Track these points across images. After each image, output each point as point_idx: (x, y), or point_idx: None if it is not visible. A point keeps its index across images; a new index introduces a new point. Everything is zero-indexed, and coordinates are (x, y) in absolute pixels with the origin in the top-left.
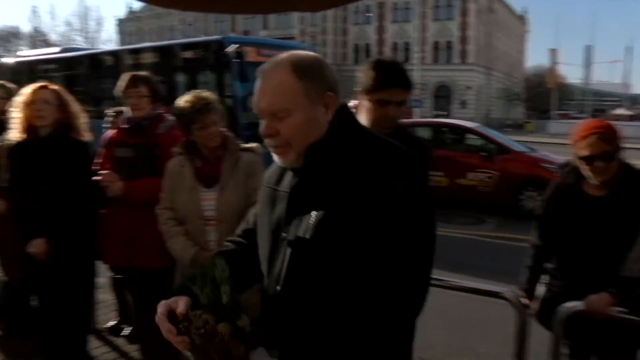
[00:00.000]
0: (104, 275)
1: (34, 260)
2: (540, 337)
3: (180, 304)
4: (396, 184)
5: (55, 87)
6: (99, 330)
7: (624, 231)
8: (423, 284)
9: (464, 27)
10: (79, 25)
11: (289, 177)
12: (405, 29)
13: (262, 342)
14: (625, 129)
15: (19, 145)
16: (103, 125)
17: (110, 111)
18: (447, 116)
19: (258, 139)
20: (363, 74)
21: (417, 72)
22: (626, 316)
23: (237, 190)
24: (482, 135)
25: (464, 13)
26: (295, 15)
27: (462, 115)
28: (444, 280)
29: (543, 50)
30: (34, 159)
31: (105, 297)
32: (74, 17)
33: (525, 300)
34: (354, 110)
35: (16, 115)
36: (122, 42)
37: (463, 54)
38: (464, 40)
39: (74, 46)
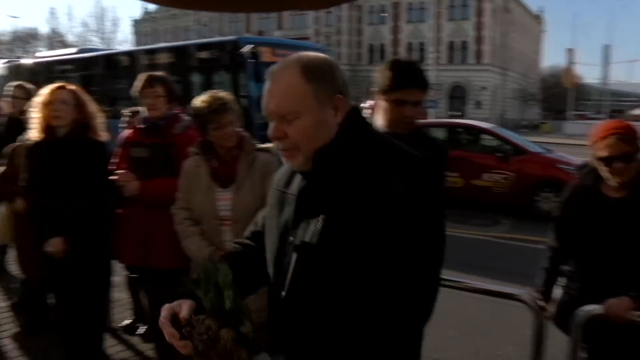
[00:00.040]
0: (119, 274)
1: (52, 258)
2: (557, 341)
3: (184, 308)
4: (405, 189)
5: (72, 87)
6: (114, 328)
7: None
8: (431, 290)
9: (479, 27)
10: (96, 26)
11: (298, 180)
12: (420, 29)
13: (266, 348)
14: None
15: (37, 145)
16: (119, 125)
17: (126, 111)
18: (461, 117)
19: None
20: (380, 74)
21: (432, 73)
22: None
23: (253, 190)
24: (497, 136)
25: (480, 13)
26: (309, 16)
27: (477, 115)
28: (459, 282)
29: (560, 50)
30: (51, 158)
31: (120, 296)
32: (90, 18)
33: (542, 303)
34: (370, 110)
35: (35, 115)
36: (138, 43)
37: (478, 54)
38: (479, 40)
39: (91, 47)
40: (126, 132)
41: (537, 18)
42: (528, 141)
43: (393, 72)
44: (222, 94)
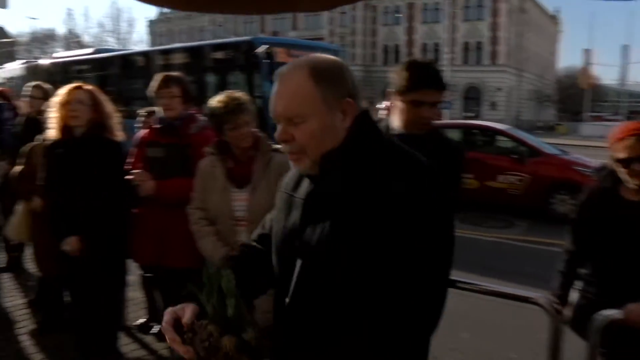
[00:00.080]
0: (134, 273)
1: (68, 257)
2: (573, 345)
3: (187, 312)
4: (412, 196)
5: (89, 87)
6: (128, 327)
7: None
8: (439, 297)
9: (494, 27)
10: (112, 26)
11: (306, 184)
12: (435, 30)
13: (269, 355)
14: None
15: (54, 144)
16: (135, 125)
17: (142, 111)
18: (476, 118)
19: None
20: (396, 75)
21: (446, 74)
22: None
23: (268, 191)
24: (513, 138)
25: (495, 13)
26: (324, 16)
27: (492, 117)
28: (473, 284)
29: (576, 51)
30: (68, 158)
31: (135, 295)
32: (106, 19)
33: (558, 307)
34: (386, 111)
35: (52, 115)
36: (153, 43)
37: (493, 55)
38: (494, 41)
39: (107, 47)
40: (142, 132)
41: (554, 18)
42: (543, 143)
43: (410, 73)
44: (239, 94)
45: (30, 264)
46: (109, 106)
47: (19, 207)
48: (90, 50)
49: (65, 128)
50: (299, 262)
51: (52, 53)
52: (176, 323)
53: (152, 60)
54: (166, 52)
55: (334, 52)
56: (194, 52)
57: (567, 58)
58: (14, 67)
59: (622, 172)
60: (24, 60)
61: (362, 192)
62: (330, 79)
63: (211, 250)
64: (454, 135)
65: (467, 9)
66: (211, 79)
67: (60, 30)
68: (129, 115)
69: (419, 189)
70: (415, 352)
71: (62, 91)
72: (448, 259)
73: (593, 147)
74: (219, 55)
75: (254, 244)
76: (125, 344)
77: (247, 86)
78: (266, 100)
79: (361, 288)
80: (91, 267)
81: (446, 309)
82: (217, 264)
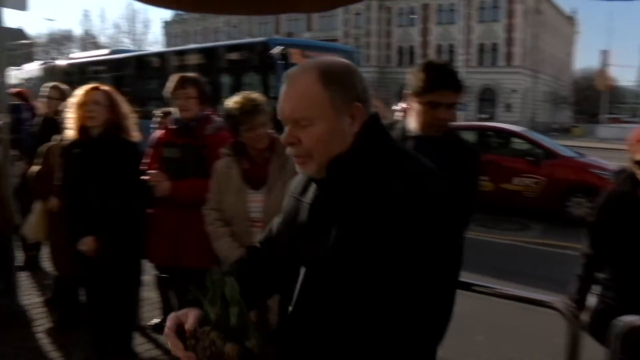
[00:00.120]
0: (149, 273)
1: (84, 257)
2: (591, 350)
3: (190, 318)
4: (420, 204)
5: (106, 88)
6: (143, 327)
7: None
8: (446, 306)
9: (510, 28)
10: (127, 27)
11: (313, 189)
12: (450, 31)
13: None
14: None
15: (71, 145)
16: (150, 126)
17: (158, 112)
18: (491, 119)
19: None
20: (413, 76)
21: (461, 75)
22: None
23: (284, 192)
24: (528, 140)
25: (510, 14)
26: (339, 17)
27: (507, 118)
28: (489, 287)
29: (593, 52)
30: (85, 158)
31: (149, 295)
32: (122, 20)
33: (576, 311)
34: (402, 113)
35: (69, 115)
36: (168, 44)
37: (509, 57)
38: (509, 42)
39: (122, 48)
40: (158, 133)
41: (570, 19)
42: (559, 145)
43: (426, 74)
44: (255, 95)
45: (47, 263)
46: (125, 107)
47: (36, 207)
48: (106, 51)
49: (82, 128)
50: (302, 270)
51: (69, 54)
52: (179, 329)
53: (167, 61)
54: (181, 53)
55: (349, 53)
56: (209, 53)
57: (584, 59)
58: (32, 68)
59: None
60: (42, 61)
61: (369, 199)
62: (339, 83)
63: (226, 251)
64: (469, 137)
65: (482, 10)
66: (226, 79)
67: (77, 31)
68: (145, 116)
69: (426, 196)
70: (422, 358)
71: (79, 92)
72: (455, 266)
73: (610, 149)
74: (233, 56)
75: (259, 247)
76: (140, 344)
77: (261, 87)
78: None
79: (366, 297)
80: (107, 267)
81: (461, 312)
82: (223, 268)
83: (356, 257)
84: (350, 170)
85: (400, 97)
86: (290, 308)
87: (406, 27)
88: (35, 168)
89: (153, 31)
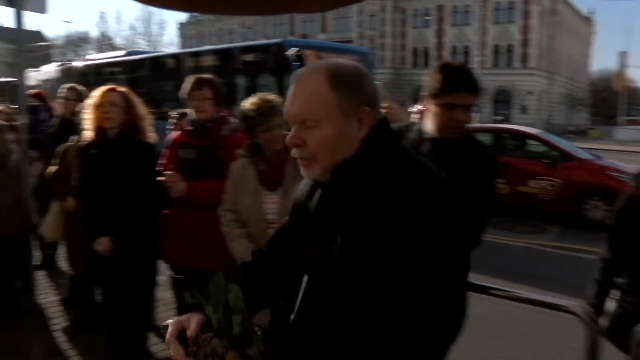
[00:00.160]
0: (164, 273)
1: (100, 257)
2: (610, 356)
3: (192, 324)
4: (427, 213)
5: (123, 89)
6: (157, 327)
7: None
8: (455, 315)
9: (525, 30)
10: (143, 29)
11: (318, 193)
12: (465, 33)
13: None
14: None
15: (88, 145)
16: (166, 127)
17: (174, 113)
18: (505, 121)
19: None
20: (430, 78)
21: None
22: None
23: None
24: (544, 142)
25: (526, 15)
26: (353, 19)
27: (522, 120)
28: (505, 291)
29: (611, 53)
30: (102, 159)
31: (164, 295)
32: (138, 22)
33: (594, 316)
34: (419, 115)
35: (87, 116)
36: (183, 45)
37: (524, 58)
38: (525, 43)
39: (138, 49)
40: (174, 134)
41: (587, 20)
42: (576, 147)
43: (444, 76)
44: (271, 96)
45: (63, 262)
46: (141, 108)
47: (53, 207)
48: (122, 52)
49: (99, 130)
50: (305, 277)
51: (85, 55)
52: (181, 334)
53: (183, 62)
54: (196, 55)
55: (364, 54)
56: (224, 55)
57: (602, 60)
58: (50, 70)
59: None
60: (59, 63)
61: (374, 205)
62: (348, 85)
63: (242, 253)
64: (484, 139)
65: (498, 11)
66: (241, 81)
67: (94, 33)
68: (160, 117)
69: (432, 203)
70: None
71: (96, 93)
72: (463, 275)
73: (628, 152)
74: (249, 57)
75: (266, 250)
76: (155, 344)
77: (277, 88)
78: None
79: (371, 305)
80: (122, 268)
81: (475, 315)
82: (216, 276)
83: (360, 265)
84: (356, 176)
85: (414, 99)
86: (292, 315)
87: (421, 28)
88: (52, 168)
89: (168, 33)
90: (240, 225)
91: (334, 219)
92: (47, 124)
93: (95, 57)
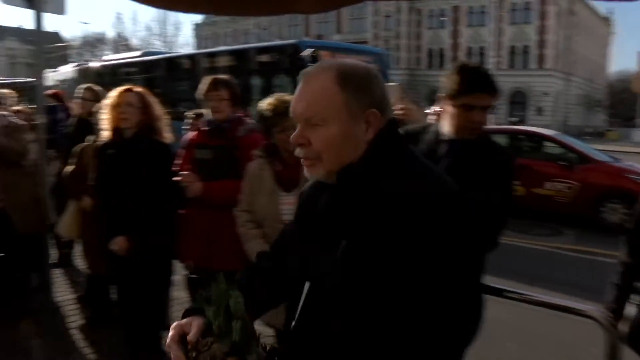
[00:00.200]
0: (179, 273)
1: (116, 256)
2: None
3: (194, 328)
4: (433, 221)
5: (139, 90)
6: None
7: None
8: (464, 320)
9: (542, 30)
10: (158, 30)
11: (325, 197)
12: (481, 33)
13: None
14: None
15: (105, 145)
16: (182, 127)
17: (190, 113)
18: (521, 123)
19: None
20: (447, 79)
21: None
22: None
23: None
24: (561, 144)
25: (543, 16)
26: (368, 20)
27: (538, 122)
28: (522, 294)
29: (630, 54)
30: (118, 159)
31: (179, 295)
32: (153, 23)
33: (614, 321)
34: (435, 116)
35: (104, 117)
36: (199, 46)
37: (540, 59)
38: (541, 44)
39: (154, 50)
40: (190, 134)
41: (606, 20)
42: (593, 149)
43: (461, 77)
44: (288, 97)
45: (79, 261)
46: (158, 108)
47: (70, 206)
48: (138, 53)
49: (115, 130)
50: (307, 285)
51: (101, 56)
52: (182, 339)
53: (198, 62)
54: (212, 55)
55: (379, 55)
56: (240, 55)
57: (620, 61)
58: (67, 70)
59: None
60: (76, 63)
61: (380, 211)
62: (357, 86)
63: None
64: (500, 140)
65: (514, 12)
66: (256, 81)
67: (110, 34)
68: (175, 117)
69: (440, 210)
70: None
71: (113, 94)
72: (474, 279)
73: None
74: (264, 58)
75: (271, 253)
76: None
77: (292, 89)
78: None
79: (377, 314)
80: (138, 267)
81: (492, 318)
82: (218, 280)
83: (365, 270)
84: (362, 180)
85: (429, 100)
86: (292, 323)
87: (436, 29)
88: (69, 168)
89: (184, 33)
90: (256, 225)
91: (338, 223)
92: (65, 123)
93: (112, 58)
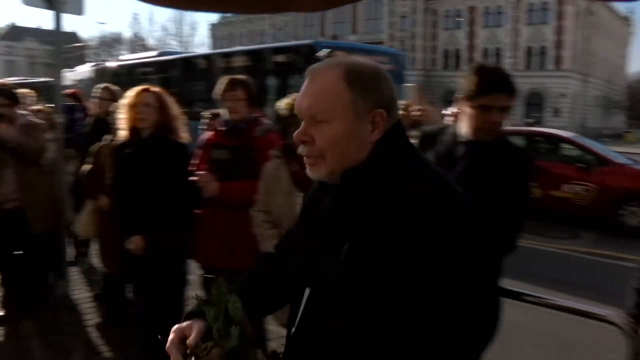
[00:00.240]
0: (194, 272)
1: (132, 255)
2: None
3: (194, 331)
4: (438, 227)
5: (156, 90)
6: None
7: None
8: (476, 329)
9: (559, 31)
10: (175, 30)
11: (330, 198)
12: (497, 34)
13: None
14: None
15: (122, 145)
16: (199, 127)
17: (206, 113)
18: (537, 124)
19: None
20: (465, 80)
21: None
22: None
23: None
24: (579, 146)
25: (560, 16)
26: (384, 20)
27: (555, 123)
28: (540, 297)
29: None
30: (135, 159)
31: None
32: (170, 23)
33: (635, 326)
34: (453, 117)
35: (121, 116)
36: (214, 46)
37: (558, 60)
38: (559, 45)
39: (170, 50)
40: (207, 134)
41: (626, 20)
42: (612, 151)
43: (479, 77)
44: None
45: (96, 260)
46: (174, 108)
47: (87, 205)
48: (154, 53)
49: (133, 129)
50: (307, 290)
51: (118, 56)
52: (182, 342)
53: (214, 62)
54: (227, 55)
55: (395, 56)
56: (255, 55)
57: None
58: (84, 70)
59: None
60: (93, 63)
61: (385, 215)
62: (365, 85)
63: None
64: (517, 142)
65: (531, 12)
66: (272, 82)
67: (127, 34)
68: (192, 117)
69: (446, 214)
70: None
71: (130, 93)
72: (486, 283)
73: None
74: (280, 58)
75: (274, 254)
76: None
77: None
78: None
79: (375, 320)
80: (153, 266)
81: (509, 321)
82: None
83: (368, 274)
84: (366, 182)
85: (445, 101)
86: (293, 329)
87: (452, 30)
88: (86, 167)
89: (200, 33)
90: (272, 226)
91: (342, 225)
92: (82, 123)
93: (128, 58)
